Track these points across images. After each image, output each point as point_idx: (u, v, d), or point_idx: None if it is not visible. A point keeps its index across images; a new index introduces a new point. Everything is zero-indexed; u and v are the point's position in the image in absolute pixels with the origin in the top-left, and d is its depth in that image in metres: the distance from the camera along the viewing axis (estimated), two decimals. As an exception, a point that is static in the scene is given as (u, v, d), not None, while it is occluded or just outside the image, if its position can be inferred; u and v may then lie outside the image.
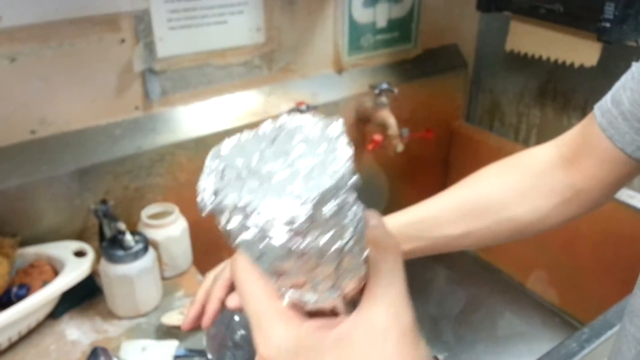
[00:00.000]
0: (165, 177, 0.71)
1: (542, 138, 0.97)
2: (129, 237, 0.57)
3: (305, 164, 0.22)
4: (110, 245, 0.58)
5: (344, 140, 0.22)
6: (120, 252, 0.57)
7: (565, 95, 0.91)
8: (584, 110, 0.88)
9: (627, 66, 0.78)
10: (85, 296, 0.62)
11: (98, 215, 0.63)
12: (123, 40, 0.65)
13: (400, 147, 0.85)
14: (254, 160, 0.24)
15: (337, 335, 0.23)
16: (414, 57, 0.95)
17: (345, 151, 0.22)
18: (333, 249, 0.21)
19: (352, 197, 0.22)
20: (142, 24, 0.65)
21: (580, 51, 0.81)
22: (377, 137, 0.85)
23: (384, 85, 0.83)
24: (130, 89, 0.67)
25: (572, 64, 0.84)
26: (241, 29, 0.74)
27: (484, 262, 1.07)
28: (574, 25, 0.75)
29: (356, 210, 0.23)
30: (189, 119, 0.72)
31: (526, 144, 1.00)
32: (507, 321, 0.94)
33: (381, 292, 0.23)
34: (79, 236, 0.66)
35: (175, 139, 0.70)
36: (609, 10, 0.70)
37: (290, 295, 0.23)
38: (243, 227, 0.22)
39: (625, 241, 0.80)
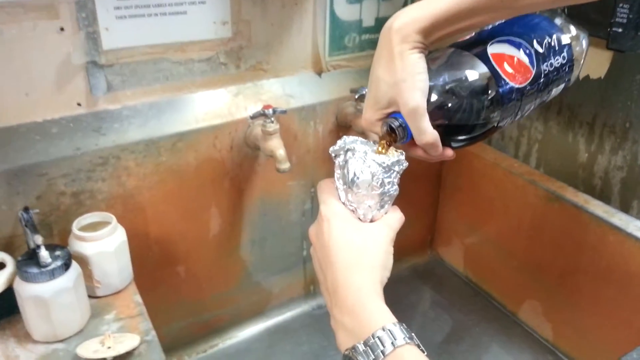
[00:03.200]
0: (108, 183, 0.64)
1: (543, 154, 0.88)
2: (44, 253, 0.50)
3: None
4: (26, 261, 0.51)
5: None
6: (34, 270, 0.50)
7: (571, 108, 0.81)
8: (592, 126, 0.79)
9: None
10: (2, 314, 0.55)
11: (22, 225, 0.56)
12: (62, 29, 0.58)
13: (380, 160, 0.76)
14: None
15: (362, 223, 0.46)
16: (406, 59, 0.86)
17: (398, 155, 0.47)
18: (381, 192, 0.45)
19: (398, 174, 0.46)
20: (84, 11, 0.58)
21: (588, 60, 0.72)
22: (355, 147, 0.77)
23: (365, 90, 0.75)
24: (70, 84, 0.61)
25: (578, 75, 0.75)
26: (204, 21, 0.67)
27: (475, 286, 0.98)
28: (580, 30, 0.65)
29: (397, 180, 0.46)
30: (140, 118, 0.65)
31: (526, 160, 0.91)
32: (493, 355, 0.86)
33: (388, 222, 0.46)
34: (6, 245, 0.59)
35: (122, 141, 0.63)
36: (622, 13, 0.61)
37: (350, 205, 0.46)
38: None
39: (631, 278, 0.70)
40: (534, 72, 0.47)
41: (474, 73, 0.45)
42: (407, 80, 0.44)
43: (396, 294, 0.99)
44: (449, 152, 0.48)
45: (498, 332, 0.89)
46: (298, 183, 0.81)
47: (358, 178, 0.44)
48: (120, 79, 0.64)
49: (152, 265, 0.72)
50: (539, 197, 0.81)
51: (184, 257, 0.75)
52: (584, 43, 0.53)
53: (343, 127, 0.81)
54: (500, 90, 0.46)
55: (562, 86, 0.52)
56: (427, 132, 0.45)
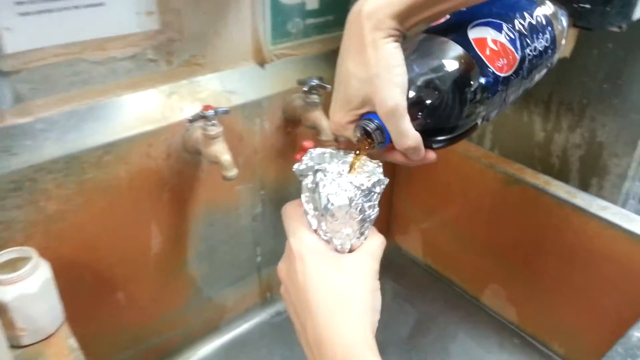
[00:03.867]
0: (25, 211, 0.54)
1: (498, 135, 0.85)
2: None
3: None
4: None
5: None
6: (-64, 334, 0.41)
7: (524, 88, 0.79)
8: (548, 104, 0.76)
9: (601, 55, 0.66)
10: None
11: None
12: (-55, 30, 0.47)
13: (335, 155, 0.70)
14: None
15: (340, 256, 0.39)
16: (352, 44, 0.80)
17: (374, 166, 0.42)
18: (361, 219, 0.39)
19: (379, 195, 0.40)
20: (-28, 7, 0.48)
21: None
22: (307, 143, 0.70)
23: (314, 81, 0.68)
24: (-36, 97, 0.50)
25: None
26: (125, 13, 0.57)
27: (435, 273, 0.96)
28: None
29: (378, 202, 0.40)
30: (57, 131, 0.56)
31: (481, 142, 0.88)
32: (460, 344, 0.83)
33: (369, 249, 0.40)
34: None
35: (36, 160, 0.54)
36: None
37: (325, 235, 0.40)
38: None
39: (595, 257, 0.69)
40: (519, 57, 0.42)
41: (455, 62, 0.40)
42: (382, 76, 0.38)
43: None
44: (432, 155, 0.43)
45: (463, 320, 0.87)
46: (246, 186, 0.74)
47: (333, 205, 0.38)
48: (30, 86, 0.53)
49: (86, 296, 0.63)
50: (497, 181, 0.78)
51: (124, 282, 0.67)
52: (564, 21, 0.48)
53: (292, 122, 0.74)
54: (486, 80, 0.40)
55: (544, 71, 0.48)
56: (408, 135, 0.39)
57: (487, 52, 0.40)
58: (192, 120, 0.60)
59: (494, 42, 0.41)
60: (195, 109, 0.63)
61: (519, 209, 0.77)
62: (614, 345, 0.50)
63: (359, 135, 0.41)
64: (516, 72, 0.42)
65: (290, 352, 0.80)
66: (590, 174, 0.75)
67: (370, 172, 0.41)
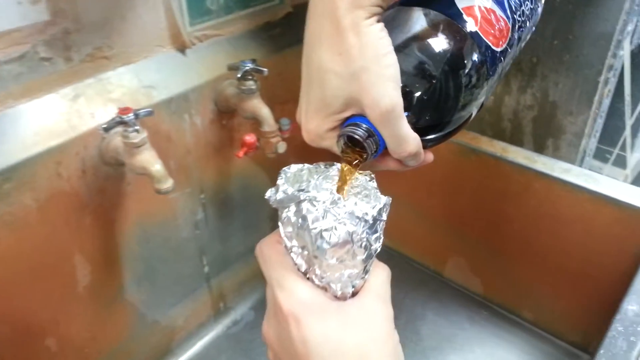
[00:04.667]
0: None
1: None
2: None
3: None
4: None
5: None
6: None
7: None
8: None
9: (548, 10, 0.61)
10: None
11: None
12: None
13: (282, 147, 0.63)
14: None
15: (343, 305, 0.31)
16: (283, 16, 0.71)
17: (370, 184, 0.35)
18: (366, 256, 0.31)
19: (384, 222, 0.32)
20: None
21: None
22: (249, 138, 0.62)
23: (248, 65, 0.59)
24: None
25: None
26: (2, 4, 0.45)
27: (394, 252, 0.92)
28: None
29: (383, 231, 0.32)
30: None
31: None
32: (431, 324, 0.80)
33: (375, 289, 0.32)
34: None
35: None
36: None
37: (320, 280, 0.32)
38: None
39: (561, 222, 0.67)
40: (510, 25, 0.36)
41: (446, 40, 0.32)
42: (371, 69, 0.30)
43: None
44: (430, 157, 0.36)
45: (429, 299, 0.84)
46: (183, 193, 0.65)
47: (330, 243, 0.30)
48: None
49: (6, 352, 0.52)
50: (452, 152, 0.74)
51: (52, 326, 0.56)
52: None
53: (226, 113, 0.65)
54: (484, 57, 0.34)
55: (528, 37, 0.42)
56: (409, 140, 0.32)
57: (481, 23, 0.34)
58: (108, 129, 0.49)
59: (488, 11, 0.34)
60: (109, 112, 0.52)
61: (476, 179, 0.73)
62: (612, 325, 0.47)
63: (343, 146, 0.33)
64: (510, 44, 0.36)
65: (255, 364, 0.73)
66: (545, 135, 0.72)
67: (365, 192, 0.33)
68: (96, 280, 0.59)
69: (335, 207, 0.30)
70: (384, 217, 0.31)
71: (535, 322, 0.78)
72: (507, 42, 0.35)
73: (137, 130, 0.50)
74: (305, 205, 0.30)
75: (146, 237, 0.62)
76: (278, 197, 0.32)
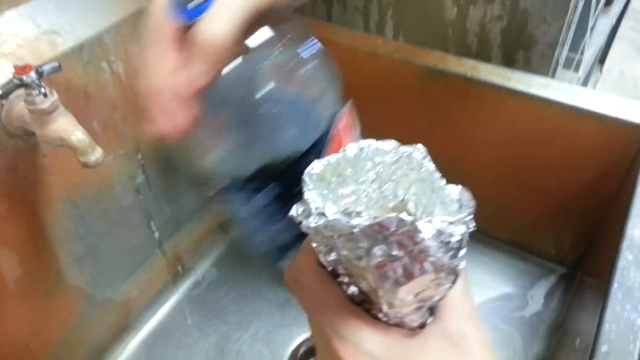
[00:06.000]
0: None
1: (401, 19, 0.72)
2: None
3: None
4: None
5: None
6: None
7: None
8: (454, -27, 0.64)
9: None
10: None
11: None
12: None
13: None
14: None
15: (423, 341, 0.23)
16: None
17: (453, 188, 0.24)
18: (453, 281, 0.22)
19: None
20: None
21: None
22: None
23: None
24: None
25: None
26: None
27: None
28: None
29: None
30: None
31: (381, 31, 0.74)
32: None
33: (459, 305, 0.24)
34: None
35: None
36: None
37: (394, 318, 0.23)
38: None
39: (540, 141, 0.63)
40: None
41: None
42: None
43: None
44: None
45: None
46: (116, 156, 0.55)
47: (404, 283, 0.21)
48: None
49: None
50: (416, 76, 0.66)
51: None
52: None
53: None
54: None
55: None
56: None
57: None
58: (5, 95, 0.38)
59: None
60: (3, 72, 0.41)
61: (445, 104, 0.67)
62: (620, 253, 0.44)
63: None
64: None
65: (227, 325, 0.68)
66: (514, 48, 0.65)
67: (430, 185, 0.24)
68: (28, 271, 0.50)
69: (409, 229, 0.20)
70: (472, 226, 0.22)
71: (510, 242, 0.76)
72: None
73: (43, 94, 0.39)
74: (365, 234, 0.21)
75: (79, 213, 0.53)
76: (317, 224, 0.21)
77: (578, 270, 0.72)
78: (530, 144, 0.63)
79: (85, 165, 0.42)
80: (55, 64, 0.41)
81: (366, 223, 0.20)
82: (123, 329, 0.66)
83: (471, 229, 0.22)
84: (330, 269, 0.24)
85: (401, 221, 0.20)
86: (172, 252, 0.69)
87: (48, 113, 0.40)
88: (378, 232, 0.20)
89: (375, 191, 0.25)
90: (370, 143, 0.25)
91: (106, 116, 0.52)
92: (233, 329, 0.68)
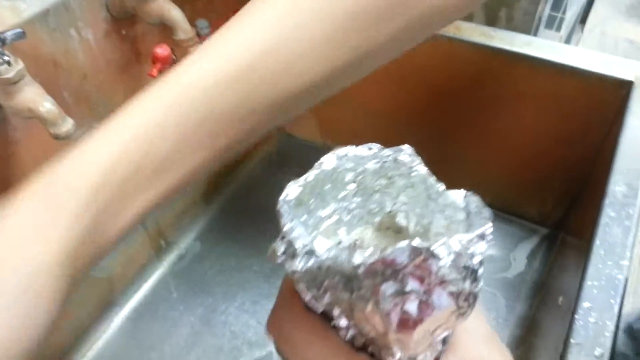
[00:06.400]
0: None
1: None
2: None
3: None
4: None
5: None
6: None
7: None
8: None
9: None
10: None
11: None
12: None
13: (203, 56, 0.51)
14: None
15: None
16: None
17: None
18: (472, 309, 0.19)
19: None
20: None
21: None
22: (161, 50, 0.49)
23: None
24: None
25: None
26: None
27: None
28: None
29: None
30: None
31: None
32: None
33: (473, 327, 0.21)
34: None
35: None
36: None
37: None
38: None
39: (520, 99, 0.63)
40: None
41: None
42: None
43: (260, 207, 0.81)
44: None
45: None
46: (89, 128, 0.53)
47: (419, 322, 0.18)
48: None
49: None
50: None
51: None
52: None
53: (124, 20, 0.51)
54: None
55: None
56: None
57: None
58: (-35, 63, 0.36)
59: None
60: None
61: (426, 65, 0.66)
62: (602, 210, 0.44)
63: None
64: None
65: (212, 297, 0.67)
66: (497, 5, 0.64)
67: (438, 199, 0.21)
68: (3, 250, 0.48)
69: (425, 257, 0.17)
70: (491, 239, 0.18)
71: (492, 204, 0.76)
72: None
73: (7, 62, 0.37)
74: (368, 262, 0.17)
75: (55, 188, 0.51)
76: (308, 267, 0.18)
77: (560, 230, 0.73)
78: (513, 104, 0.63)
79: (56, 137, 0.40)
80: (19, 30, 0.38)
81: (371, 260, 0.17)
82: (107, 305, 0.65)
83: (491, 243, 0.18)
84: (321, 310, 0.20)
85: (415, 250, 0.16)
86: (154, 227, 0.68)
87: (14, 83, 0.38)
88: (387, 267, 0.17)
89: (359, 206, 0.21)
90: (348, 151, 0.21)
91: (77, 86, 0.49)
92: (219, 301, 0.67)
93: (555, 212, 0.72)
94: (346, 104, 0.76)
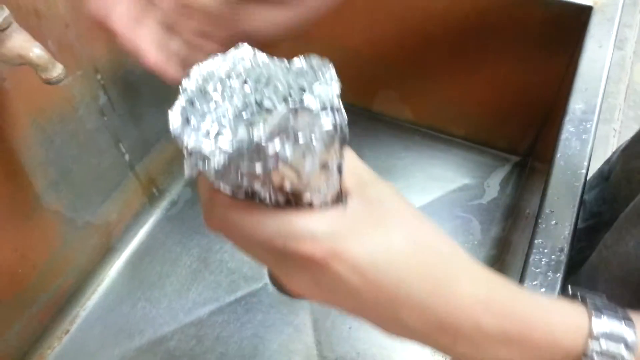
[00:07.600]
0: None
1: None
2: None
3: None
4: None
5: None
6: None
7: None
8: None
9: None
10: None
11: None
12: None
13: None
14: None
15: (351, 207, 0.25)
16: None
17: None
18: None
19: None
20: None
21: None
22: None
23: None
24: None
25: None
26: None
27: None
28: None
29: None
30: None
31: None
32: (368, 161, 0.78)
33: (367, 180, 0.27)
34: None
35: None
36: None
37: (314, 198, 0.23)
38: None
39: (489, 32, 0.65)
40: None
41: None
42: None
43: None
44: None
45: (362, 135, 0.82)
46: (75, 77, 0.54)
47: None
48: None
49: None
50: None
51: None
52: None
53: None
54: None
55: None
56: None
57: None
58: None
59: None
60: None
61: (398, 1, 0.68)
62: (563, 127, 0.48)
63: None
64: None
65: (207, 238, 0.71)
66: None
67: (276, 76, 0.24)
68: (4, 197, 0.51)
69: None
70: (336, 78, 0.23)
71: (466, 137, 0.80)
72: None
73: (-8, 8, 0.38)
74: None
75: (48, 137, 0.53)
76: (220, 166, 0.21)
77: (529, 157, 0.78)
78: (482, 38, 0.66)
79: (48, 82, 0.42)
80: (0, -23, 0.40)
81: (268, 130, 0.20)
82: (107, 251, 0.68)
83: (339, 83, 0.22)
84: (244, 195, 0.24)
85: (292, 110, 0.20)
86: (145, 174, 0.70)
87: (2, 30, 0.39)
88: (280, 131, 0.20)
89: (235, 109, 0.23)
90: (201, 69, 0.24)
91: (60, 35, 0.51)
92: (214, 241, 0.71)
93: (524, 140, 0.77)
94: (330, 51, 0.78)
